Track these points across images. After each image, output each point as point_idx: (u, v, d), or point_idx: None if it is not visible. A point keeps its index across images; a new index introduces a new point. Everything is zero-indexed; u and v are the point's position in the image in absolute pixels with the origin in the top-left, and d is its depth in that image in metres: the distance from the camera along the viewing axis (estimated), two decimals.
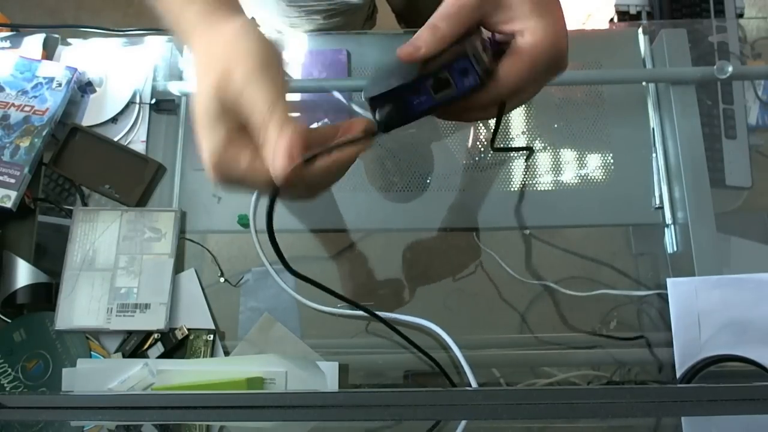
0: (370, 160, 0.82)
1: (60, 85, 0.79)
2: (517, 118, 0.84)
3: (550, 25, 0.43)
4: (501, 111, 0.48)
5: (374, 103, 0.45)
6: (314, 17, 0.91)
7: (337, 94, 0.83)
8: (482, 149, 0.83)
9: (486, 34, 0.46)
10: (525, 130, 0.83)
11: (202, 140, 0.42)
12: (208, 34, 0.45)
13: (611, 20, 1.20)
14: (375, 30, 1.10)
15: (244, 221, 0.78)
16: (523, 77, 0.44)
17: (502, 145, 0.82)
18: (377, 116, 0.45)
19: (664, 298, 0.74)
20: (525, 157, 0.71)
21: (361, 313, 0.74)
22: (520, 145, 0.82)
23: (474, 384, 0.69)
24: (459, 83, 0.43)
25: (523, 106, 0.84)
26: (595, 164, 0.81)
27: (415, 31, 0.44)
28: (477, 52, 0.43)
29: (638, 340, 0.74)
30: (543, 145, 0.82)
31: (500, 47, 0.46)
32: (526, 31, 0.43)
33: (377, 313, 0.67)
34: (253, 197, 0.79)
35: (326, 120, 0.81)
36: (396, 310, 0.72)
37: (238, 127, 0.42)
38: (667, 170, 0.79)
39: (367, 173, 0.81)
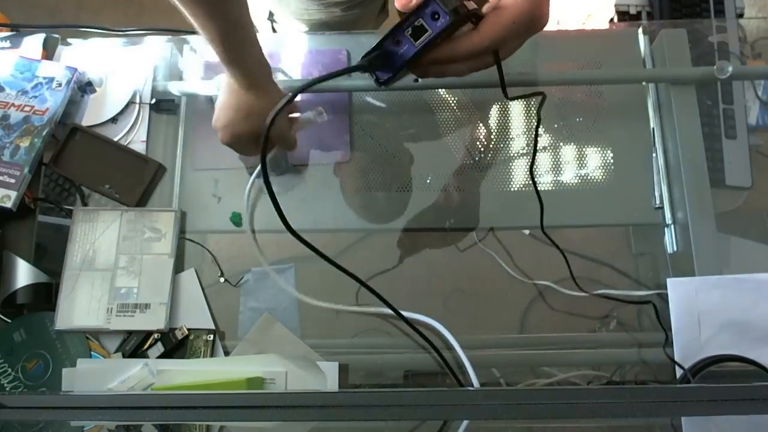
0: (370, 161, 0.82)
1: (60, 85, 0.79)
2: (517, 117, 0.84)
3: None
4: (498, 61, 0.53)
5: (368, 64, 0.50)
6: (333, 9, 0.92)
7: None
8: (482, 149, 0.83)
9: None
10: (525, 130, 0.83)
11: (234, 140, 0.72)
12: (247, 94, 0.68)
13: (611, 20, 1.20)
14: (376, 30, 1.10)
15: (236, 219, 0.78)
16: (503, 31, 0.48)
17: (499, 145, 0.82)
18: (374, 75, 0.51)
19: (664, 298, 0.74)
20: (538, 105, 0.71)
21: (362, 309, 0.74)
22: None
23: (476, 384, 0.69)
24: (432, 25, 0.48)
25: (523, 107, 0.84)
26: (595, 164, 0.81)
27: None
28: None
29: (638, 340, 0.74)
30: (543, 145, 0.82)
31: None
32: None
33: (380, 296, 0.67)
34: (246, 194, 0.79)
35: (320, 108, 0.79)
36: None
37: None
38: (667, 170, 0.79)
39: (367, 174, 0.81)
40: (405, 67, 0.50)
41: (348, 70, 0.51)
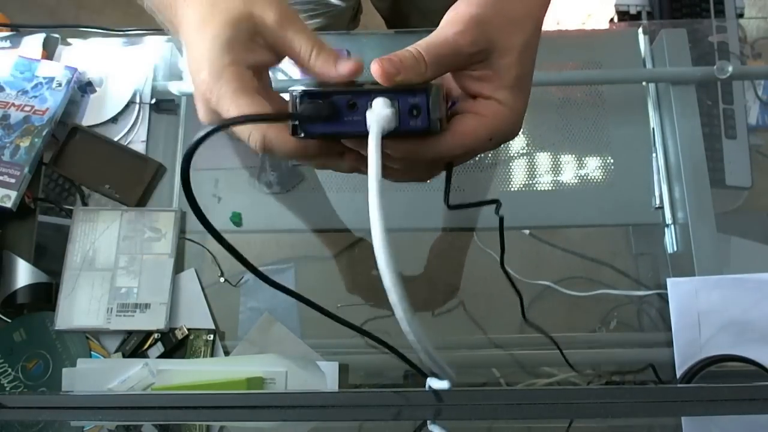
0: None
1: (60, 85, 0.79)
2: None
3: (519, 103, 0.42)
4: (450, 171, 0.44)
5: (302, 99, 0.38)
6: None
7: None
8: None
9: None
10: (524, 131, 0.83)
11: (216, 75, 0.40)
12: None
13: (611, 20, 1.20)
14: (375, 30, 1.10)
15: (236, 219, 0.78)
16: (478, 141, 0.41)
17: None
18: (298, 110, 0.39)
19: (664, 298, 0.74)
20: (495, 210, 0.62)
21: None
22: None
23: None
24: (404, 120, 0.37)
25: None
26: (595, 164, 0.81)
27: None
28: (439, 98, 0.38)
29: (638, 340, 0.74)
30: (543, 145, 0.82)
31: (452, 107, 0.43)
32: (495, 100, 0.41)
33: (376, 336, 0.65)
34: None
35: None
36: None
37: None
38: (667, 170, 0.79)
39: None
40: (341, 139, 0.39)
41: (267, 118, 0.39)
